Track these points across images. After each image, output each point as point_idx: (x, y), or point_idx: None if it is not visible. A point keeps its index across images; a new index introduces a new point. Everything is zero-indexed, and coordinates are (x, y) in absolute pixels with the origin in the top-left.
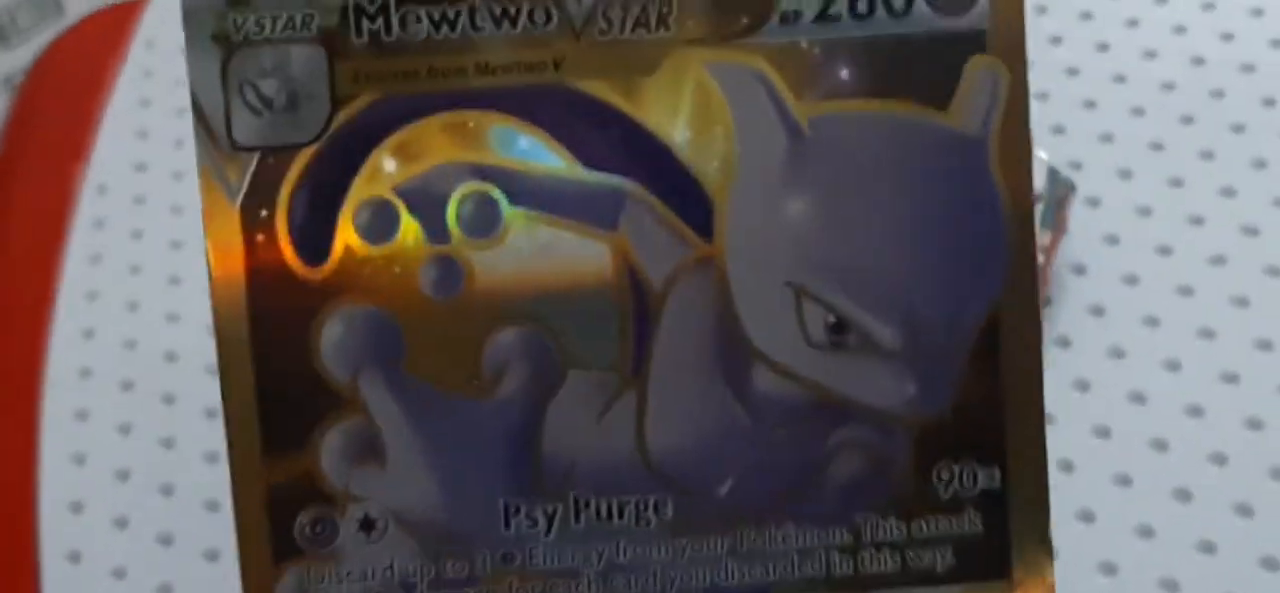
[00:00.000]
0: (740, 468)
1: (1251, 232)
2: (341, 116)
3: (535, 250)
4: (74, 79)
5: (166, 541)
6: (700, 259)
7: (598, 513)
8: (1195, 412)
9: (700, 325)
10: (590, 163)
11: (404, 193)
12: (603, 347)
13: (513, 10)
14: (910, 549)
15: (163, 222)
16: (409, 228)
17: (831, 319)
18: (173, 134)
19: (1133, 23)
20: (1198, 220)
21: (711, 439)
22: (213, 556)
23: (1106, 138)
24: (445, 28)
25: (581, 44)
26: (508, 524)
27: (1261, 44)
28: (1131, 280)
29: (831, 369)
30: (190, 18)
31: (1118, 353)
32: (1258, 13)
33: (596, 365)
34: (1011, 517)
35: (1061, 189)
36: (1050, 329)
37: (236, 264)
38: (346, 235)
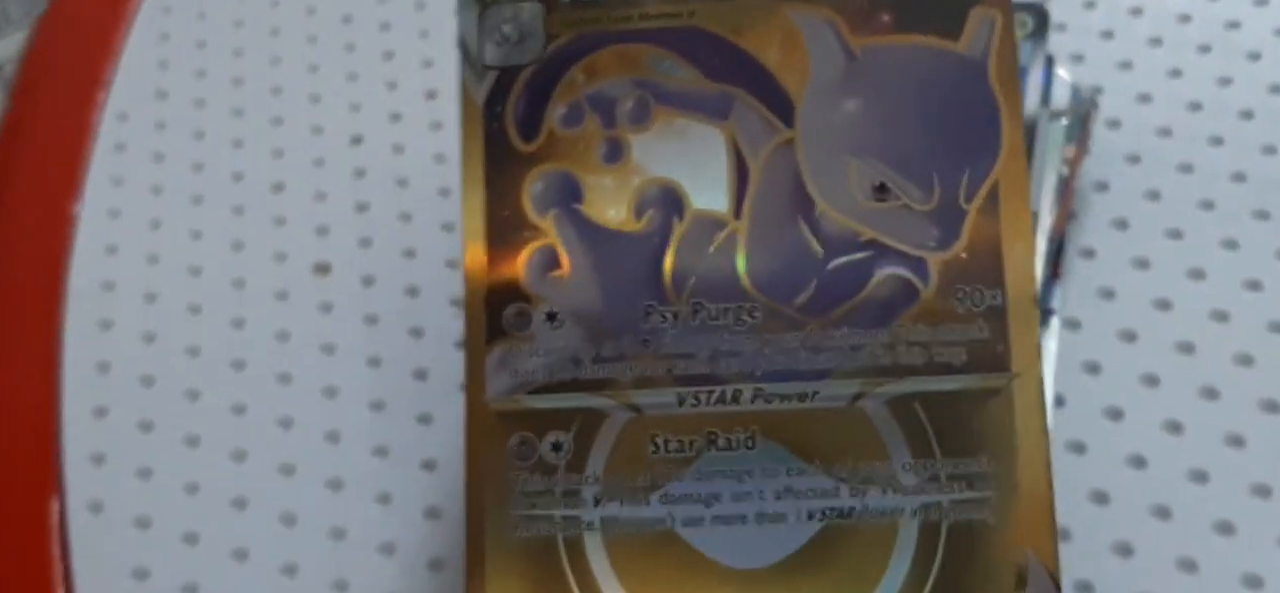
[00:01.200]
0: (812, 285)
1: (1270, 150)
2: (551, 48)
3: (673, 133)
4: (94, 12)
5: (193, 442)
6: (785, 141)
7: (709, 314)
8: (1220, 317)
9: (784, 184)
10: (712, 76)
11: (589, 97)
12: (716, 196)
13: None
14: (934, 347)
15: (184, 146)
16: (591, 119)
17: (876, 183)
18: (193, 65)
19: None
20: (1217, 140)
21: (791, 264)
22: (240, 456)
23: (1125, 65)
24: None
25: (707, 2)
26: (646, 319)
27: None
28: (1154, 196)
29: (877, 219)
30: None
31: (1142, 263)
32: None
33: (711, 209)
34: (1009, 326)
35: (1084, 106)
36: (1076, 241)
37: (479, 141)
38: (551, 123)
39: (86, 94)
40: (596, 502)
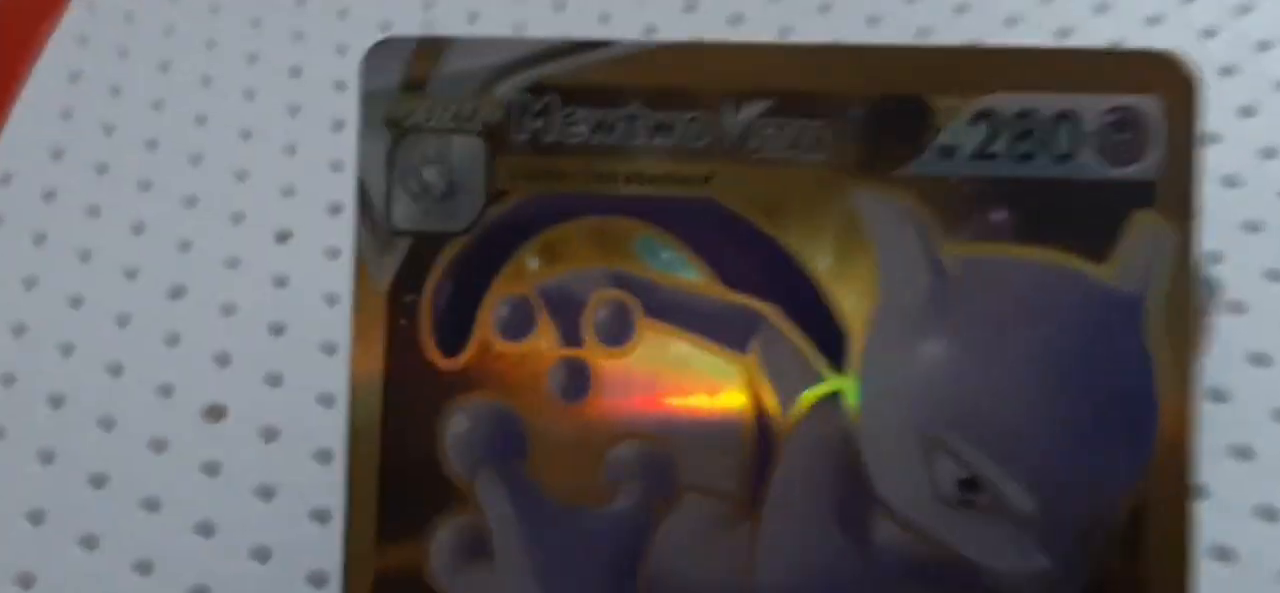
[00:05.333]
0: None
1: None
2: (494, 211)
3: (664, 364)
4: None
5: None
6: (831, 393)
7: None
8: None
9: (824, 464)
10: (729, 281)
11: (544, 292)
12: (722, 472)
13: (670, 121)
14: None
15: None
16: (545, 327)
17: (964, 475)
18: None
19: None
20: None
21: (823, 586)
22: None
23: (1254, 226)
24: (603, 133)
25: (733, 161)
26: None
27: None
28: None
29: (959, 529)
30: (368, 101)
31: (1268, 513)
32: None
33: (714, 490)
34: None
35: (1203, 294)
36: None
37: (377, 346)
38: (484, 329)
39: None
40: None
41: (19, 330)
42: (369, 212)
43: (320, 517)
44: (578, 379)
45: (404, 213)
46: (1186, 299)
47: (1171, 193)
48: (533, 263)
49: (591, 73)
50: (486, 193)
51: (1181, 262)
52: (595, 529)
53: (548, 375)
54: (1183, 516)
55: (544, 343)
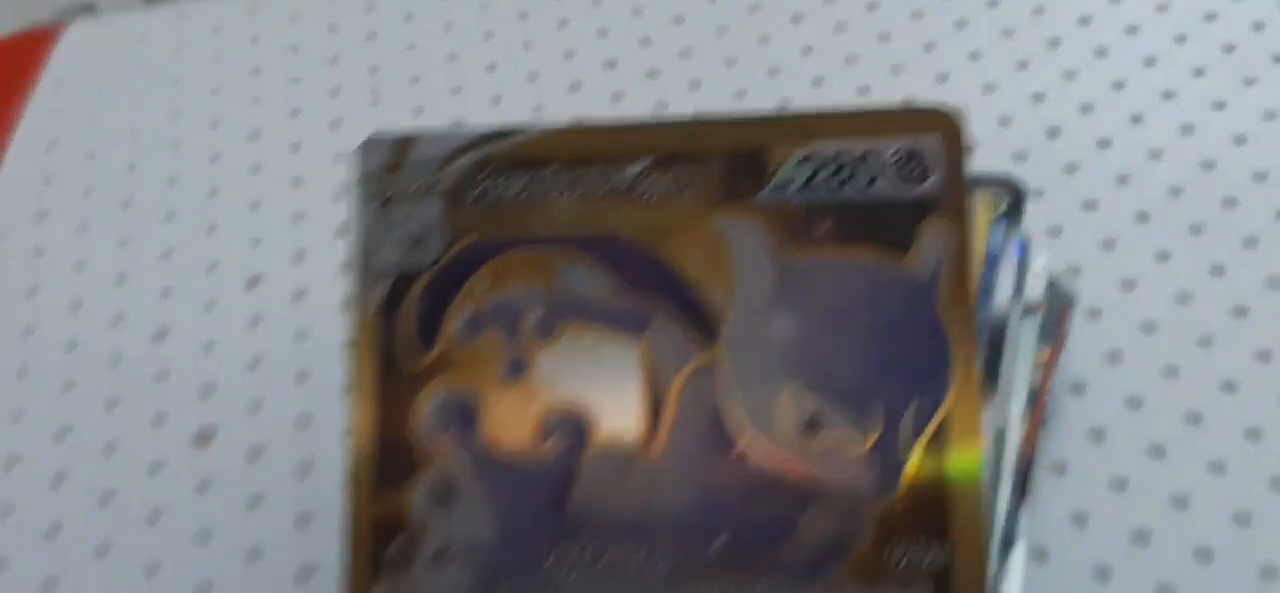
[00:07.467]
0: (731, 530)
1: (1264, 356)
2: (452, 251)
3: (582, 350)
4: None
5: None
6: (706, 363)
7: (614, 557)
8: (1204, 557)
9: (704, 412)
10: (628, 288)
11: (492, 307)
12: (627, 422)
13: (579, 178)
14: None
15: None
16: (493, 331)
17: (809, 414)
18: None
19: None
20: (1207, 341)
21: (709, 505)
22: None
23: (1108, 244)
24: (530, 190)
25: (626, 204)
26: (545, 560)
27: (1275, 148)
28: (1135, 404)
29: (807, 454)
30: (363, 180)
31: (1119, 484)
32: (1271, 116)
33: (622, 437)
34: (956, 590)
35: (1062, 301)
36: (1046, 455)
37: (372, 351)
38: (449, 334)
39: None
40: None
41: None
42: (365, 258)
43: (303, 521)
44: (517, 364)
45: (388, 257)
46: (968, 280)
47: (949, 204)
48: (481, 286)
49: (519, 149)
50: (447, 239)
51: (961, 251)
52: (533, 475)
53: (497, 364)
54: (975, 435)
55: (493, 341)
